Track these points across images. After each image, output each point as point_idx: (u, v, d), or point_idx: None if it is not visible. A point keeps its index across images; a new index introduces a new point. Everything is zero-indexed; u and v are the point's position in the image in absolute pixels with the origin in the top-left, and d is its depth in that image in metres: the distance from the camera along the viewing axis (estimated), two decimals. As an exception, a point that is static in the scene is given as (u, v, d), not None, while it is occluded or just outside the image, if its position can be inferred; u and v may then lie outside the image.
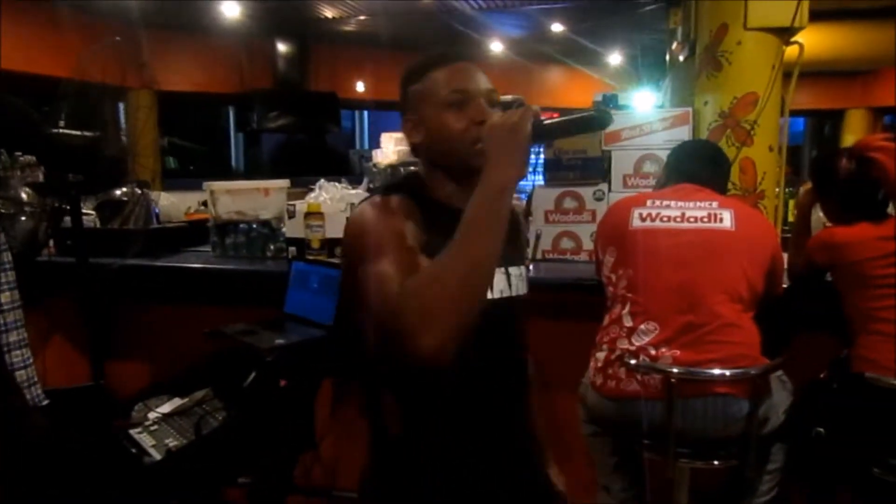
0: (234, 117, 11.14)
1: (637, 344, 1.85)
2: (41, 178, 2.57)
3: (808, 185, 2.27)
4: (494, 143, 1.07)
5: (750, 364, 1.80)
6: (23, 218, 2.54)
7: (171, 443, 1.96)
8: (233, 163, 11.70)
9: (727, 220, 1.92)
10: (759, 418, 1.82)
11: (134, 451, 1.97)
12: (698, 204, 1.96)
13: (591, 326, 2.01)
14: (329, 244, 2.54)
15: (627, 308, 1.91)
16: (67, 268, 2.55)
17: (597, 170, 2.79)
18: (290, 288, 2.40)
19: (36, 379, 1.78)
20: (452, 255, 1.01)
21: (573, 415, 2.02)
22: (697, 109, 2.85)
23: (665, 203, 1.98)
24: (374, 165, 3.72)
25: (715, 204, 1.96)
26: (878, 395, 1.80)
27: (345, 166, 9.13)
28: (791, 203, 3.72)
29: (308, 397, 2.25)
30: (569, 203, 2.77)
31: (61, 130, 2.25)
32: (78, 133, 2.21)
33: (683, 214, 1.94)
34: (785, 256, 2.09)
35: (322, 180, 2.71)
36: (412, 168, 1.30)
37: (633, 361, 1.83)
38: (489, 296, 1.15)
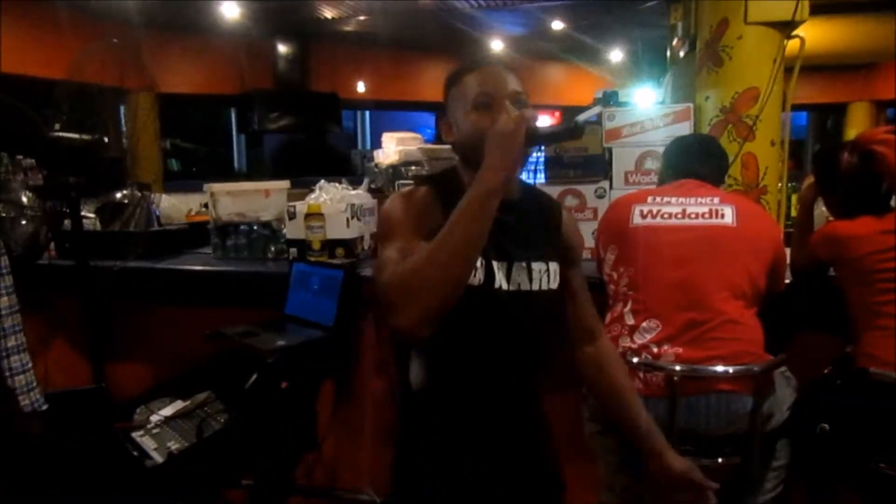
0: (236, 118, 11.13)
1: (639, 342, 1.84)
2: (42, 181, 2.57)
3: (811, 180, 2.26)
4: (491, 146, 1.17)
5: (753, 361, 1.79)
6: (23, 221, 2.55)
7: (174, 445, 1.97)
8: (235, 164, 11.71)
9: (729, 216, 1.91)
10: (762, 415, 1.81)
11: (136, 453, 1.97)
12: (699, 200, 1.95)
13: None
14: (330, 245, 2.54)
15: (629, 306, 1.90)
16: (68, 271, 2.55)
17: (598, 167, 2.78)
18: (291, 289, 2.40)
19: (35, 384, 1.78)
20: (435, 247, 1.14)
21: (576, 413, 2.01)
22: (699, 105, 2.84)
23: (666, 200, 1.97)
24: (376, 165, 3.71)
25: (716, 200, 1.95)
26: (882, 391, 1.78)
27: (347, 166, 9.12)
28: (794, 198, 3.70)
29: (309, 398, 2.25)
30: (570, 201, 2.76)
31: (61, 133, 2.25)
32: (77, 136, 2.21)
33: (685, 211, 1.93)
34: (787, 251, 2.07)
35: (322, 181, 2.71)
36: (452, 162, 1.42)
37: (635, 360, 1.82)
38: (506, 288, 1.30)
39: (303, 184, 2.89)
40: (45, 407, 1.79)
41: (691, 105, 2.80)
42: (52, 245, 2.71)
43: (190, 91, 9.43)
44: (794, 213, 3.23)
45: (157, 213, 3.06)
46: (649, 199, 1.99)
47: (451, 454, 1.36)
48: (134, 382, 2.50)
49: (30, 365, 1.77)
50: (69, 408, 2.13)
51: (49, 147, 2.18)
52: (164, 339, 2.73)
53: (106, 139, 2.40)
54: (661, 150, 2.71)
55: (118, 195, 2.84)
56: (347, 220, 2.53)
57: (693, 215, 1.92)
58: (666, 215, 1.93)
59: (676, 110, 2.78)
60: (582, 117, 3.30)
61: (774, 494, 1.92)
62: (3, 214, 2.50)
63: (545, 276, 1.37)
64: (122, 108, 2.67)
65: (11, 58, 6.41)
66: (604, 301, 2.00)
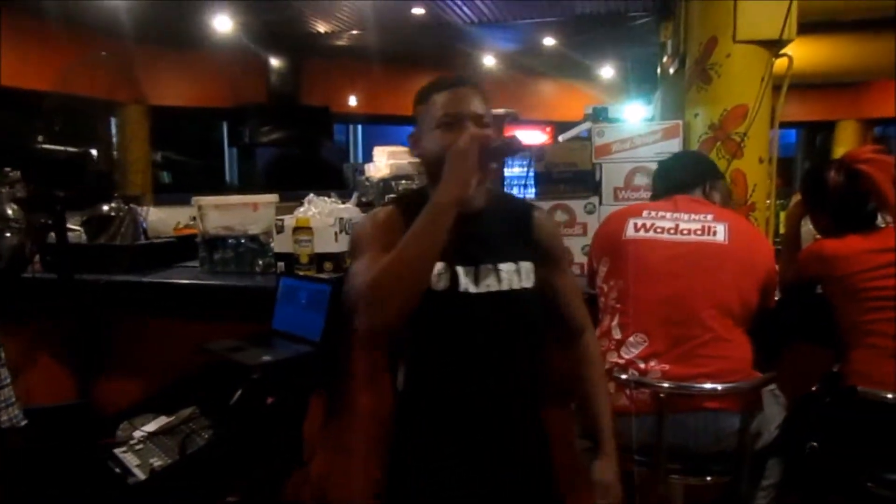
0: (228, 132, 11.12)
1: (626, 357, 1.84)
2: (27, 193, 2.55)
3: (799, 197, 2.26)
4: (447, 165, 1.28)
5: (741, 379, 1.78)
6: (8, 234, 2.52)
7: (156, 462, 1.94)
8: (227, 177, 11.68)
9: (721, 233, 1.90)
10: (751, 433, 1.80)
11: (118, 470, 1.94)
12: (693, 216, 1.95)
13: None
14: (318, 259, 2.52)
15: (616, 320, 1.89)
16: (52, 284, 2.52)
17: (587, 183, 2.78)
18: (279, 303, 2.38)
19: (14, 399, 1.75)
20: (393, 258, 1.25)
21: (568, 429, 1.99)
22: (688, 122, 2.85)
23: (661, 214, 1.97)
24: (367, 179, 3.71)
25: (710, 217, 1.94)
26: (871, 409, 1.78)
27: (339, 180, 9.11)
28: (782, 215, 3.71)
29: (296, 414, 2.22)
30: (560, 216, 2.76)
31: (47, 146, 2.23)
32: (62, 148, 2.19)
33: (677, 226, 1.93)
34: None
35: (311, 195, 2.70)
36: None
37: (623, 376, 1.81)
38: (474, 290, 1.38)
39: (293, 197, 2.88)
40: (23, 423, 1.76)
41: (681, 122, 2.81)
42: (38, 258, 2.68)
43: (182, 104, 9.42)
44: (782, 230, 3.24)
45: (145, 225, 3.04)
46: (644, 212, 1.99)
47: (436, 456, 1.42)
48: (119, 397, 2.47)
49: (8, 380, 1.75)
50: (52, 424, 2.10)
51: (34, 159, 2.16)
52: (151, 353, 2.70)
53: (94, 152, 2.38)
54: (650, 166, 2.72)
55: (105, 208, 2.82)
56: (336, 233, 2.52)
57: (686, 231, 1.92)
58: (659, 229, 1.93)
59: (666, 127, 2.79)
60: (570, 134, 3.32)
61: None
62: (-12, 227, 2.47)
63: (515, 275, 1.43)
64: (113, 121, 2.66)
65: (5, 70, 6.40)
66: (595, 315, 1.99)
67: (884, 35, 5.42)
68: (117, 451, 2.02)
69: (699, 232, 1.91)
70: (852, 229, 1.95)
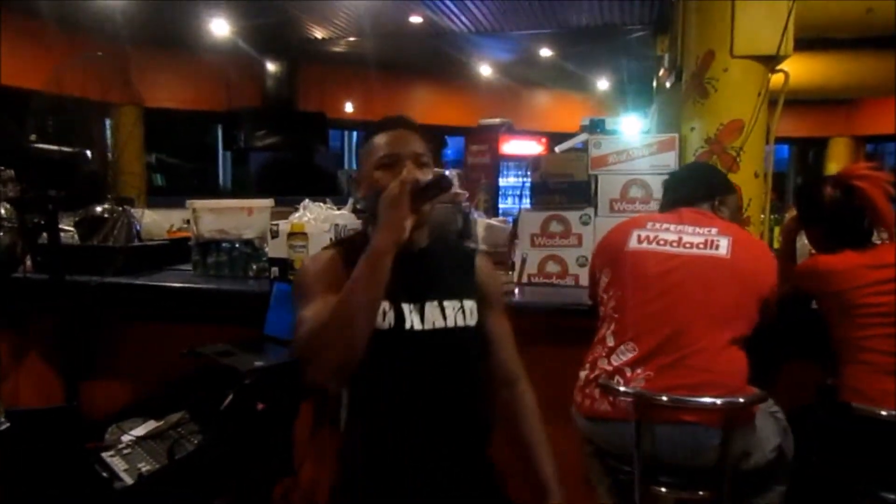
0: (222, 135, 11.11)
1: (615, 364, 1.83)
2: (19, 192, 2.53)
3: (794, 212, 2.27)
4: (380, 211, 1.28)
5: (722, 394, 1.72)
6: (0, 234, 2.50)
7: (144, 467, 1.91)
8: (221, 181, 11.66)
9: (723, 247, 1.89)
10: (735, 451, 1.75)
11: (105, 474, 1.91)
12: (697, 230, 1.93)
13: (577, 350, 1.98)
14: (312, 264, 2.51)
15: (611, 328, 1.89)
16: (43, 285, 2.49)
17: (583, 194, 2.78)
18: (271, 309, 2.36)
19: (-4, 401, 1.73)
20: (336, 307, 1.25)
21: (564, 438, 1.98)
22: (684, 135, 2.86)
23: (664, 226, 1.96)
24: (360, 186, 3.72)
25: (714, 230, 1.93)
26: (864, 425, 1.77)
27: (333, 186, 9.10)
28: (776, 229, 3.73)
29: (286, 421, 2.20)
30: (555, 227, 2.76)
31: (39, 145, 2.22)
32: (55, 148, 2.17)
33: (680, 239, 1.92)
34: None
35: (307, 200, 2.69)
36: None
37: (608, 382, 1.80)
38: (419, 327, 1.40)
39: (287, 203, 2.87)
40: (5, 426, 1.73)
41: (676, 135, 2.82)
42: (29, 259, 2.66)
43: (177, 107, 9.42)
44: (776, 244, 3.26)
45: (138, 227, 3.02)
46: (649, 224, 1.99)
47: (381, 494, 1.42)
48: (109, 400, 2.44)
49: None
50: (38, 427, 2.07)
51: (27, 159, 2.14)
52: (141, 356, 2.67)
53: (88, 152, 2.36)
54: (646, 178, 2.73)
55: (98, 209, 2.80)
56: (331, 240, 2.51)
57: (688, 244, 1.91)
58: (662, 242, 1.93)
59: (661, 139, 2.80)
60: (567, 145, 3.33)
61: None
62: (-21, 227, 2.45)
63: (460, 313, 1.45)
64: (107, 122, 2.64)
65: (3, 70, 6.39)
66: (589, 326, 1.99)
67: (879, 53, 5.47)
68: (105, 455, 1.99)
69: (701, 245, 1.90)
70: (847, 245, 1.96)
